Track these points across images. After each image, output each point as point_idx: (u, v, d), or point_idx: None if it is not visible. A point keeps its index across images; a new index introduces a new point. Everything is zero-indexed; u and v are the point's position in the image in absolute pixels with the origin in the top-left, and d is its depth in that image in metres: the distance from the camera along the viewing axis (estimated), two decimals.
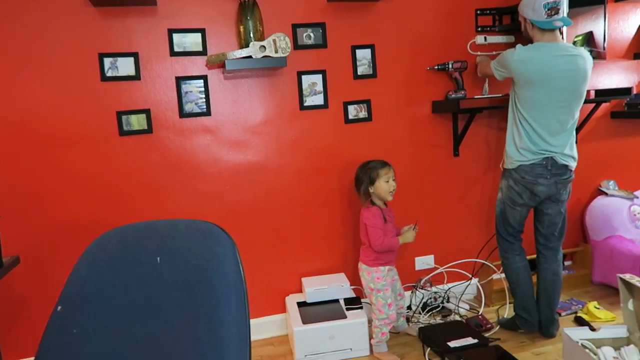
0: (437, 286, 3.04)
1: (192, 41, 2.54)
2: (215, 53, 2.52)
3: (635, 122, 3.32)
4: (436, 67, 2.86)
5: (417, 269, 3.04)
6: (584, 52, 2.36)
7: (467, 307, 3.00)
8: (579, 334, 2.15)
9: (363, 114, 2.82)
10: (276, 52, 2.48)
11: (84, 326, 1.23)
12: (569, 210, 2.71)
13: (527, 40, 2.44)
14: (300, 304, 2.69)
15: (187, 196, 2.63)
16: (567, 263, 3.34)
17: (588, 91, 2.53)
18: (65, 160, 2.45)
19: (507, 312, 2.88)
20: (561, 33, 2.57)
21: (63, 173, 2.46)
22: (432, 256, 3.06)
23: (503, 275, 2.79)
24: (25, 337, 2.49)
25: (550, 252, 2.59)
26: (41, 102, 2.39)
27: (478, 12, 2.92)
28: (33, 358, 1.25)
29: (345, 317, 2.55)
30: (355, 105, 2.81)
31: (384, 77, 2.83)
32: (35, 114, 2.39)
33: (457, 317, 2.87)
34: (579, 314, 2.79)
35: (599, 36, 3.01)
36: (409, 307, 2.95)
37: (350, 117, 2.81)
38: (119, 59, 2.46)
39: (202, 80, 2.58)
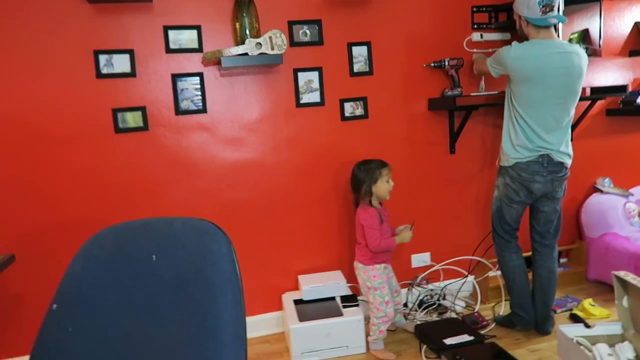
0: (434, 283, 3.05)
1: (187, 38, 2.53)
2: (211, 50, 2.52)
3: (630, 120, 3.33)
4: (432, 65, 2.86)
5: (413, 266, 3.05)
6: (579, 49, 2.37)
7: (463, 304, 3.00)
8: (574, 331, 2.16)
9: (359, 111, 2.82)
10: (272, 49, 2.47)
11: (79, 324, 1.23)
12: (564, 208, 2.73)
13: (522, 38, 2.44)
14: (297, 302, 2.69)
15: (183, 194, 2.63)
16: (562, 260, 3.35)
17: (583, 88, 2.53)
18: (60, 157, 2.44)
19: (503, 309, 2.89)
20: (556, 30, 2.57)
21: (58, 170, 2.45)
22: (428, 254, 3.06)
23: (499, 272, 2.80)
24: (20, 335, 2.48)
25: (546, 250, 2.60)
26: (36, 99, 2.38)
27: (474, 9, 2.92)
28: (28, 356, 1.24)
29: (341, 314, 2.55)
30: (352, 103, 2.81)
31: (380, 74, 2.83)
32: (30, 111, 2.38)
33: (453, 315, 2.88)
34: (574, 311, 2.80)
35: (594, 33, 3.01)
36: (405, 305, 2.96)
37: (347, 114, 2.80)
38: (115, 55, 2.45)
39: (198, 78, 2.57)
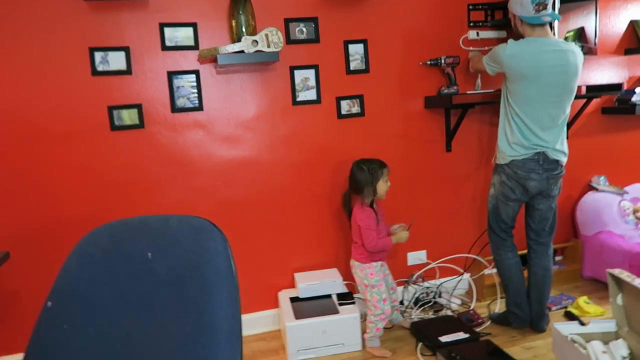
0: (429, 281, 3.06)
1: (183, 35, 2.53)
2: (207, 47, 2.51)
3: (626, 118, 3.34)
4: (429, 62, 2.86)
5: (409, 264, 3.06)
6: (575, 47, 2.37)
7: (459, 302, 3.01)
8: (569, 328, 2.17)
9: (356, 109, 2.82)
10: (268, 46, 2.47)
11: (74, 322, 1.22)
12: (559, 206, 2.74)
13: (518, 37, 2.45)
14: (293, 299, 2.70)
15: (179, 191, 2.62)
16: (557, 258, 3.36)
17: (579, 87, 2.54)
18: (55, 155, 2.43)
19: (498, 307, 2.90)
20: (552, 28, 2.58)
21: (53, 168, 2.44)
22: (424, 251, 3.07)
23: (494, 270, 2.81)
24: (15, 332, 2.47)
25: (541, 248, 2.61)
26: (31, 96, 2.37)
27: (470, 7, 2.92)
28: (23, 354, 1.24)
29: (337, 312, 2.56)
30: (348, 101, 2.81)
31: (376, 72, 2.83)
32: (25, 109, 2.37)
33: (449, 312, 2.89)
34: (569, 309, 2.82)
35: (590, 32, 3.02)
36: (401, 302, 2.96)
37: (343, 112, 2.80)
38: (110, 53, 2.44)
39: (194, 75, 2.56)
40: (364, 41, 2.78)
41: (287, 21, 2.65)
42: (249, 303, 2.79)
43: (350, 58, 2.77)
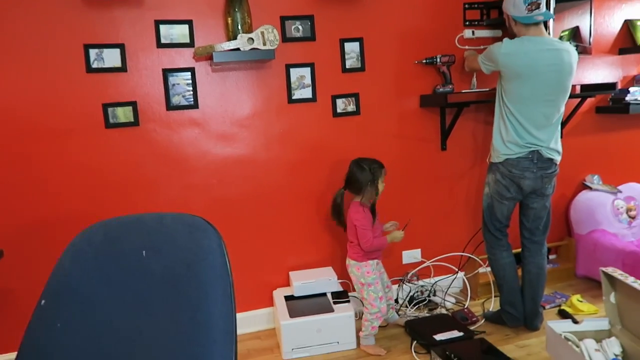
0: (424, 280, 3.06)
1: (179, 33, 2.52)
2: (202, 45, 2.50)
3: (620, 117, 3.36)
4: (424, 61, 2.86)
5: (404, 262, 3.06)
6: (569, 46, 2.38)
7: (453, 300, 3.02)
8: (562, 326, 2.18)
9: (351, 107, 2.82)
10: (264, 44, 2.46)
11: (68, 320, 1.22)
12: (553, 205, 2.74)
13: (513, 36, 2.46)
14: (288, 298, 2.69)
15: (174, 189, 2.61)
16: (551, 257, 3.38)
17: (573, 86, 2.55)
18: (49, 152, 2.42)
19: (493, 305, 2.91)
20: (547, 28, 2.59)
21: (47, 165, 2.43)
22: (419, 250, 3.08)
23: (489, 269, 2.81)
24: (8, 331, 2.46)
25: (535, 246, 2.62)
26: (25, 94, 2.35)
27: (466, 5, 2.93)
28: (16, 353, 1.23)
29: (332, 310, 2.56)
30: (344, 99, 2.80)
31: (372, 70, 2.83)
32: (19, 106, 2.35)
33: (444, 311, 2.90)
34: (562, 307, 2.83)
35: (584, 31, 3.04)
36: (396, 301, 2.97)
37: (339, 110, 2.80)
38: (105, 50, 2.43)
39: (189, 73, 2.55)
40: (359, 39, 2.78)
41: (283, 19, 2.64)
42: (244, 301, 2.79)
43: (346, 56, 2.77)
